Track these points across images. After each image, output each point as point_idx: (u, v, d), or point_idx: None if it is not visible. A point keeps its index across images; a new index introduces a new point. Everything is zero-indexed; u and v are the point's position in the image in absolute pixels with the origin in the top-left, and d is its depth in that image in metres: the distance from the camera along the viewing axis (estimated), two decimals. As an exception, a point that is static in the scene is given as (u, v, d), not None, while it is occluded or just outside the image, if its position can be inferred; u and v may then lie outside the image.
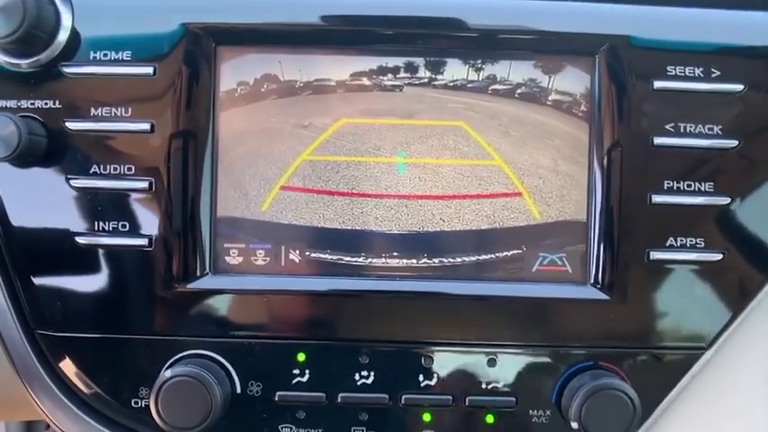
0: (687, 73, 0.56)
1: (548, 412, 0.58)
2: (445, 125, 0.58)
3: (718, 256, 0.56)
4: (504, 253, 0.58)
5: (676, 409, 0.61)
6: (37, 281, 0.57)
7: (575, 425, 0.54)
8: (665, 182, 0.56)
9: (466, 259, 0.57)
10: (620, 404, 0.54)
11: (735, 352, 0.60)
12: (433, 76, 0.57)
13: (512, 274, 0.57)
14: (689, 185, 0.56)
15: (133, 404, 0.58)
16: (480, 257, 0.57)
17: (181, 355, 0.57)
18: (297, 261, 0.58)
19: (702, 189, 0.56)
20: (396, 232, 0.57)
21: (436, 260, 0.58)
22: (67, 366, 0.58)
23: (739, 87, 0.56)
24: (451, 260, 0.58)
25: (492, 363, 0.57)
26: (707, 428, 0.62)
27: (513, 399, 0.57)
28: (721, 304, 0.58)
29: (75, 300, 0.57)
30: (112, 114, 0.56)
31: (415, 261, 0.57)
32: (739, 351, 0.60)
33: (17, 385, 0.60)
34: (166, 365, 0.56)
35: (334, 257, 0.57)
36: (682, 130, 0.56)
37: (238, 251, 0.57)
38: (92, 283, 0.57)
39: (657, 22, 0.57)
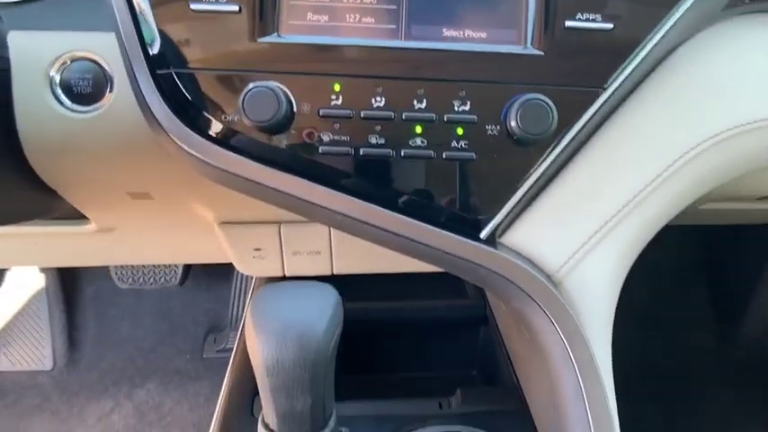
0: None
1: (497, 127, 0.87)
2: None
3: (610, 26, 0.86)
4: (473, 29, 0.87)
5: (586, 148, 0.91)
6: (159, 33, 0.86)
7: (513, 123, 0.84)
8: (576, -27, 0.86)
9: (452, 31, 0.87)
10: (542, 109, 0.83)
11: (630, 95, 0.90)
12: None
13: (479, 39, 0.87)
14: (592, -23, 0.86)
15: (223, 118, 0.86)
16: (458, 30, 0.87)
17: (256, 84, 0.86)
18: (338, 25, 0.86)
19: (601, -19, 0.86)
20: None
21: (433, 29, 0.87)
22: (181, 96, 0.87)
23: None
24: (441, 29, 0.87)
25: (462, 93, 0.86)
26: (609, 165, 0.92)
27: (475, 116, 0.87)
28: (614, 56, 0.87)
29: (186, 46, 0.86)
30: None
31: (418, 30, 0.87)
32: (633, 94, 0.90)
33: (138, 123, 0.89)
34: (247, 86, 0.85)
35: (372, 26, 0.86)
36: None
37: (297, 19, 0.86)
38: (198, 33, 0.85)
39: None
